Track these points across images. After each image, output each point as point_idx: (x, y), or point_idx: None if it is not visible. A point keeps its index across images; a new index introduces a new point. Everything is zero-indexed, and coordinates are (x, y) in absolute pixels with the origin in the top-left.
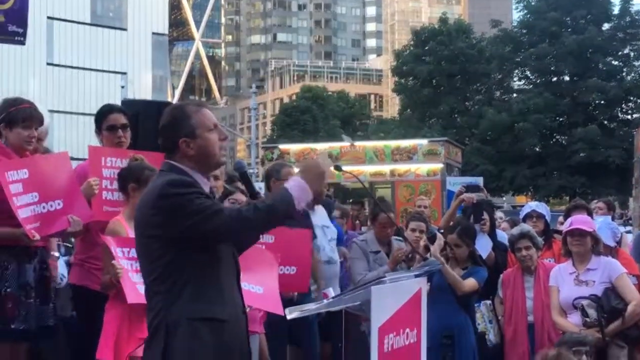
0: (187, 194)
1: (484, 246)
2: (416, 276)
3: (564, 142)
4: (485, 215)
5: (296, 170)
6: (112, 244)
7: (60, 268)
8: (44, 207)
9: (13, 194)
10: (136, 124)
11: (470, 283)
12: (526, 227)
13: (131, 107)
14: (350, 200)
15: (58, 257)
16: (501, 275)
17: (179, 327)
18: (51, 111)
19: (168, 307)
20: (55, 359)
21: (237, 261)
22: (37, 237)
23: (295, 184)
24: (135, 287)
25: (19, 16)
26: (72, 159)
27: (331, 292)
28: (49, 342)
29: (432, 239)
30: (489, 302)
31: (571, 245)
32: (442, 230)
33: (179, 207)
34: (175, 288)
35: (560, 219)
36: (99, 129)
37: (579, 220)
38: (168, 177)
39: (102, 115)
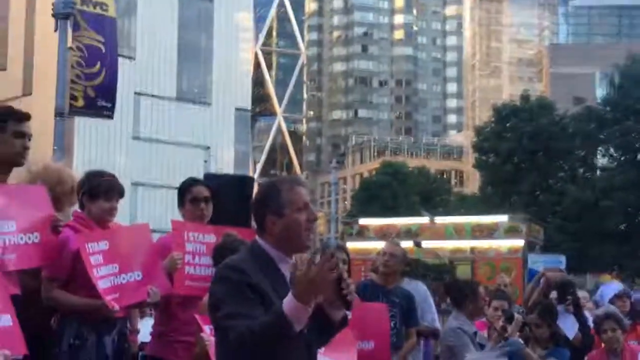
0: (226, 290)
1: (569, 326)
2: (497, 357)
3: None
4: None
5: None
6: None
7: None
8: (123, 278)
9: (94, 265)
10: (218, 198)
11: None
12: (612, 307)
13: (213, 181)
14: (431, 275)
15: (138, 331)
16: (586, 358)
17: None
18: (134, 184)
19: None
20: None
21: (311, 344)
22: (117, 308)
23: (288, 305)
24: None
25: (108, 91)
26: (155, 231)
27: None
28: None
29: (510, 319)
30: None
31: None
32: (522, 311)
33: (214, 304)
34: None
35: None
36: (181, 202)
37: None
38: (230, 260)
39: (186, 188)
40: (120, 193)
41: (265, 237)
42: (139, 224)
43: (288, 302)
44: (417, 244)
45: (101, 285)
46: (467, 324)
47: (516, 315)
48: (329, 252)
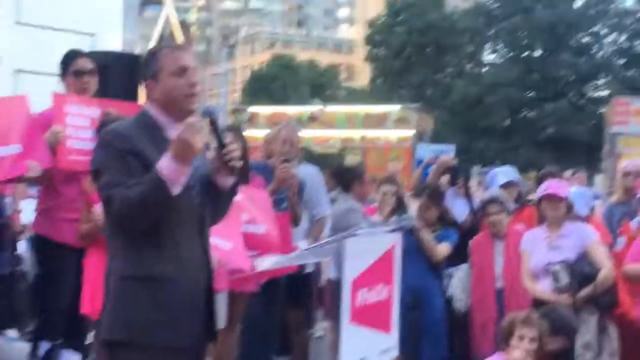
0: (107, 157)
1: (461, 210)
2: (392, 231)
3: (533, 116)
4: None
5: None
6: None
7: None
8: (0, 151)
9: None
10: (105, 74)
11: (444, 249)
12: (497, 191)
13: (100, 59)
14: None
15: (20, 211)
16: (470, 241)
17: (113, 286)
18: (18, 71)
19: (110, 266)
20: (12, 307)
21: (203, 218)
22: None
23: (162, 164)
24: None
25: None
26: None
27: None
28: (4, 289)
29: (399, 201)
30: (466, 266)
31: (545, 209)
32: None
33: (96, 171)
34: (114, 247)
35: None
36: (64, 75)
37: (554, 186)
38: (114, 125)
39: (69, 60)
40: None
41: (152, 103)
42: (17, 95)
43: (163, 163)
44: (314, 118)
45: None
46: (355, 204)
47: (409, 197)
48: (211, 117)
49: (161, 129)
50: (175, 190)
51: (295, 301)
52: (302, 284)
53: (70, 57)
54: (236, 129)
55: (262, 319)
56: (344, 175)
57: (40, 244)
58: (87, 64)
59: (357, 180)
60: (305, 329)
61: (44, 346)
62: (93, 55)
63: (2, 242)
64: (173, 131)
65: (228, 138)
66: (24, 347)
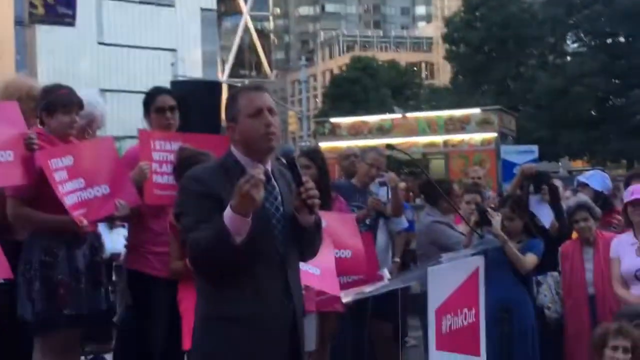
0: (185, 201)
1: (545, 216)
2: (473, 255)
3: (621, 105)
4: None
5: None
6: None
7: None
8: (90, 193)
9: (58, 182)
10: (185, 105)
11: (531, 259)
12: (583, 198)
13: (179, 88)
14: (405, 171)
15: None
16: (559, 249)
17: (196, 325)
18: (103, 90)
19: (196, 305)
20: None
21: (285, 255)
22: (85, 223)
23: (226, 216)
24: None
25: None
26: (126, 137)
27: (386, 273)
28: (101, 327)
29: (481, 213)
30: (556, 273)
31: (632, 215)
32: (494, 203)
33: (177, 215)
34: (198, 286)
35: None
36: (147, 112)
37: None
38: (193, 169)
39: (151, 98)
40: (79, 105)
41: (234, 145)
42: (103, 137)
43: (226, 214)
44: (390, 147)
45: (68, 201)
46: (441, 217)
47: (490, 211)
48: (288, 158)
49: (243, 169)
50: (238, 240)
51: (382, 315)
52: (389, 297)
53: (151, 95)
54: (314, 152)
55: (350, 335)
56: (430, 192)
57: (133, 279)
58: (168, 101)
59: (443, 197)
60: (393, 342)
61: None
62: (175, 85)
63: (98, 279)
64: (253, 170)
65: (305, 177)
66: None
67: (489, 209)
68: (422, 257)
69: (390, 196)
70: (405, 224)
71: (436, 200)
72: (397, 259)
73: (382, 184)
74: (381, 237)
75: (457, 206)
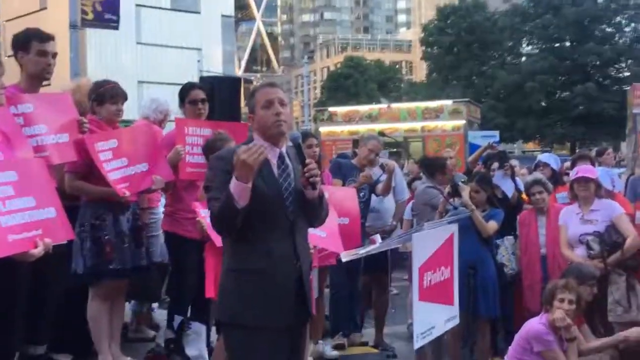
0: (212, 176)
1: (508, 188)
2: (449, 223)
3: (565, 97)
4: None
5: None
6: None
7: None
8: (132, 170)
9: (103, 161)
10: (212, 96)
11: (493, 226)
12: (539, 175)
13: (207, 83)
14: (390, 151)
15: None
16: (518, 217)
17: (221, 276)
18: (141, 82)
19: (222, 260)
20: (148, 292)
21: (294, 222)
22: (127, 194)
23: (231, 184)
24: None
25: (112, 6)
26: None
27: (378, 238)
28: (142, 279)
29: (454, 187)
30: (511, 237)
31: (577, 190)
32: (463, 180)
33: (205, 187)
34: (223, 245)
35: (567, 164)
36: (182, 103)
37: (584, 170)
38: (221, 150)
39: (185, 91)
40: (124, 96)
41: (255, 132)
42: (143, 125)
43: (232, 182)
44: (381, 134)
45: (112, 176)
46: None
47: (461, 185)
48: (294, 143)
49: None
50: (241, 204)
51: (375, 268)
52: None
53: (186, 89)
54: (309, 135)
55: (345, 284)
56: (428, 165)
57: (169, 238)
58: (199, 94)
59: (440, 170)
60: (385, 290)
61: (177, 319)
62: (203, 80)
63: (139, 240)
64: (271, 152)
65: (308, 159)
66: (163, 313)
67: (460, 183)
68: (417, 216)
69: (382, 177)
70: (407, 195)
71: (433, 173)
72: (395, 222)
73: (381, 166)
74: (389, 203)
75: (451, 177)
